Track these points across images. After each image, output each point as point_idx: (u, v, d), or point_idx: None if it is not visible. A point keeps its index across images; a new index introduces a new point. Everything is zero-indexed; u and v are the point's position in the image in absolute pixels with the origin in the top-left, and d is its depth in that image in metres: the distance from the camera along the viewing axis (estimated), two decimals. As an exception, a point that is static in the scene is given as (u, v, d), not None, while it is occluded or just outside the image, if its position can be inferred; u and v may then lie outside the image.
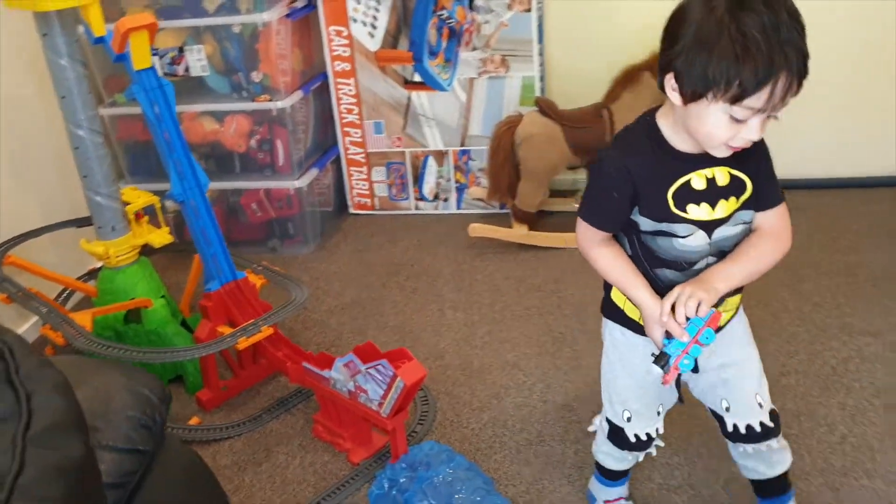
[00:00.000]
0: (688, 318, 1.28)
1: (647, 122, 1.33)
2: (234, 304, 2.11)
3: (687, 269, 1.35)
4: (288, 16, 2.77)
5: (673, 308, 1.29)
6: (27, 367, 0.77)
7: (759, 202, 1.34)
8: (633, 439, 1.54)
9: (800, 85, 1.17)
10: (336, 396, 1.89)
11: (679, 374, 1.35)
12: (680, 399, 1.53)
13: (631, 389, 1.51)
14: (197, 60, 2.74)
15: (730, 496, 1.72)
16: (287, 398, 2.17)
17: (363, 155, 3.14)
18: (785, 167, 3.13)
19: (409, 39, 2.91)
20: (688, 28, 1.18)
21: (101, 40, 1.93)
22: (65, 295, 2.51)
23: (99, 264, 2.34)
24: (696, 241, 1.32)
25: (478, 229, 2.83)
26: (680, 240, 1.32)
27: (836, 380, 2.04)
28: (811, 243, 2.70)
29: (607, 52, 2.86)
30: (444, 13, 2.85)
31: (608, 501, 1.69)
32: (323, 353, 1.94)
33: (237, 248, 2.32)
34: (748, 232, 1.35)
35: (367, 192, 3.21)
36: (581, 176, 2.90)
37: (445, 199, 3.17)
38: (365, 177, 3.18)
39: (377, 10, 2.88)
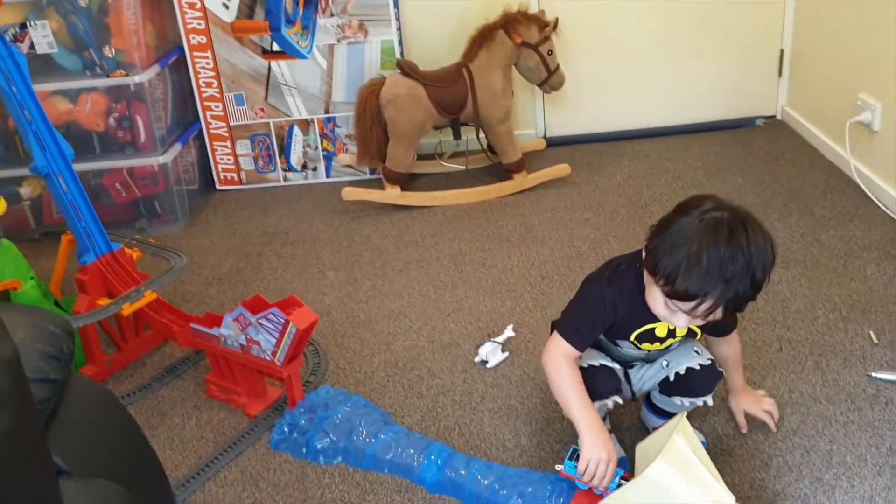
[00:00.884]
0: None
1: (636, 269, 1.49)
2: (113, 276, 2.08)
3: (621, 361, 1.63)
4: (138, -12, 2.72)
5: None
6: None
7: (715, 332, 1.63)
8: (591, 367, 1.57)
9: (731, 312, 1.41)
10: (228, 353, 1.91)
11: None
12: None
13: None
14: (42, 37, 2.65)
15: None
16: (175, 365, 2.16)
17: (226, 129, 3.12)
18: (629, 120, 3.42)
19: (264, 9, 2.92)
20: (674, 221, 1.38)
21: (-55, 9, 1.85)
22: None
23: (-42, 251, 2.24)
24: (635, 353, 1.61)
25: (351, 192, 2.89)
26: (624, 352, 1.61)
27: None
28: (657, 183, 2.93)
29: (460, 13, 2.98)
30: (299, -19, 2.88)
31: None
32: (209, 313, 1.95)
33: (106, 230, 2.27)
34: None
35: (233, 167, 3.19)
36: (447, 137, 3.01)
37: (314, 169, 3.20)
38: (229, 151, 3.16)
39: (230, -20, 2.87)
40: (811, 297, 2.21)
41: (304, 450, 1.80)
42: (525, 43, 2.79)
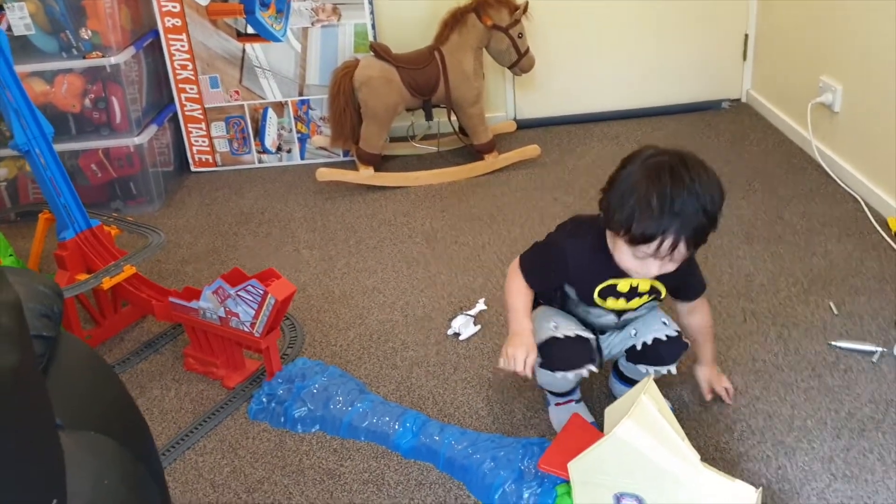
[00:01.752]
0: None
1: (598, 228, 1.54)
2: (92, 252, 2.11)
3: (593, 328, 1.69)
4: (113, -30, 2.73)
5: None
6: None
7: (683, 296, 1.69)
8: (566, 338, 1.62)
9: (693, 245, 1.44)
10: (207, 326, 1.96)
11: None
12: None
13: (551, 318, 1.66)
14: (19, 19, 2.66)
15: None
16: (153, 340, 2.20)
17: (200, 111, 3.15)
18: (598, 102, 3.48)
19: (239, -8, 2.95)
20: (620, 175, 1.45)
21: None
22: None
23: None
24: (607, 319, 1.66)
25: (326, 173, 2.93)
26: (592, 316, 1.66)
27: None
28: (628, 163, 3.00)
29: (431, -3, 3.03)
30: (273, -36, 2.91)
31: (558, 404, 1.81)
32: (188, 287, 1.99)
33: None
34: (651, 308, 1.68)
35: (208, 149, 3.22)
36: (419, 119, 3.06)
37: (289, 151, 3.24)
38: (204, 133, 3.19)
39: (205, -37, 2.89)
40: (774, 271, 2.30)
41: (283, 419, 1.85)
42: (496, 26, 2.84)
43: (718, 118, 3.35)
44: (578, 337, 1.63)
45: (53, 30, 2.71)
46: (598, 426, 1.69)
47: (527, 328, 1.59)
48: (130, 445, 1.12)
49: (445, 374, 1.98)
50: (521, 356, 1.55)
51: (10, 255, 2.23)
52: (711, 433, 1.74)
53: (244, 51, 3.04)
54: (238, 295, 1.85)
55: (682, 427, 1.48)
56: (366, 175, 2.94)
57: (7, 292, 0.79)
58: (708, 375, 1.80)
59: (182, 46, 3.03)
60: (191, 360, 2.06)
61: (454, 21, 2.85)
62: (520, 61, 2.94)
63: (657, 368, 1.70)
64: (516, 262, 1.64)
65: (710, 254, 2.36)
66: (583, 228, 1.60)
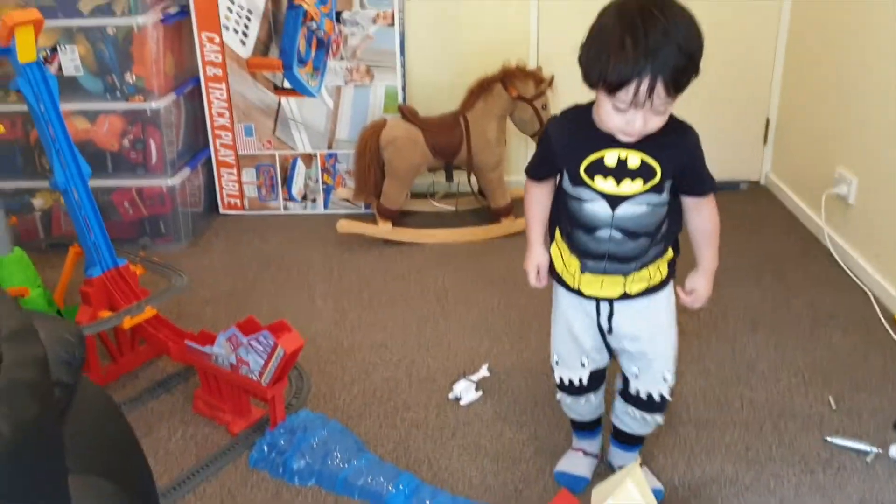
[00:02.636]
0: None
1: (586, 106, 1.54)
2: (116, 290, 2.21)
3: (591, 233, 1.57)
4: (162, 20, 2.88)
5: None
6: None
7: (688, 188, 1.56)
8: (562, 382, 1.78)
9: (672, 89, 1.38)
10: (218, 371, 2.03)
11: (605, 333, 1.69)
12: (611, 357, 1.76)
13: (560, 337, 1.74)
14: (70, 61, 2.80)
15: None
16: (166, 380, 2.28)
17: (233, 157, 3.27)
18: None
19: (279, 48, 3.08)
20: (592, 28, 1.44)
21: (-15, 34, 2.00)
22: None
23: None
24: (600, 209, 1.53)
25: (345, 225, 3.03)
26: (587, 205, 1.54)
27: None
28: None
29: (461, 64, 3.15)
30: (314, 24, 3.04)
31: (573, 448, 1.91)
32: (204, 331, 2.07)
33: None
34: (652, 214, 1.53)
35: (237, 193, 3.34)
36: (440, 178, 3.15)
37: (313, 200, 3.34)
38: (235, 178, 3.31)
39: (249, 18, 3.03)
40: (776, 360, 2.33)
41: (281, 469, 1.90)
42: (521, 97, 2.94)
43: (735, 199, 3.41)
44: (591, 378, 1.74)
45: (100, 72, 2.85)
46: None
47: (536, 241, 1.70)
48: (132, 491, 1.19)
49: (443, 438, 2.03)
50: (531, 272, 1.70)
51: (39, 287, 2.33)
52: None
53: (279, 103, 3.17)
54: (250, 344, 1.93)
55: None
56: (384, 230, 3.03)
57: (36, 347, 0.87)
58: (696, 283, 1.70)
59: (221, 95, 3.16)
60: (200, 402, 2.13)
61: (481, 90, 2.96)
62: (542, 131, 3.03)
63: (645, 414, 1.74)
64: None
65: (714, 337, 2.41)
66: (568, 110, 1.60)
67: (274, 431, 1.99)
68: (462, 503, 1.79)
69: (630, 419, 1.77)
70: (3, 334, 0.84)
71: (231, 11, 3.02)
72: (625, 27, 1.36)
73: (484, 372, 2.26)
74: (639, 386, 1.71)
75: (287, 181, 3.31)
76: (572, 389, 1.79)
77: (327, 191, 3.32)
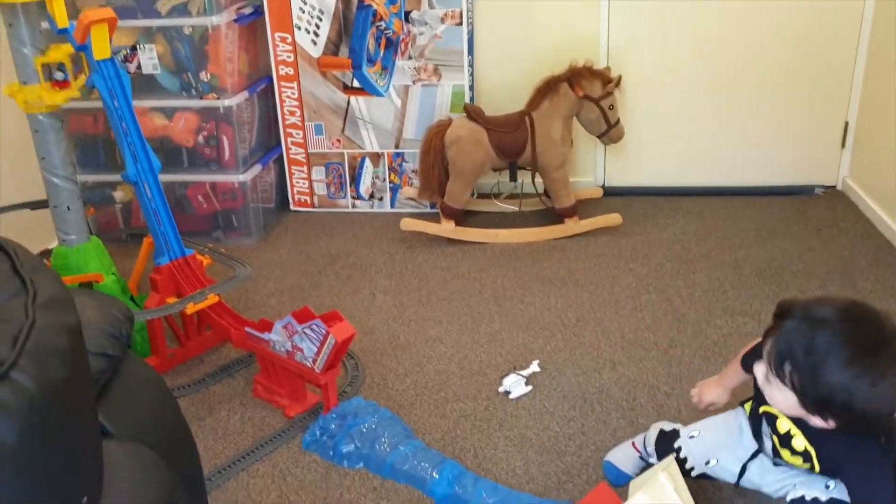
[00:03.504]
0: None
1: None
2: (183, 278, 2.31)
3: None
4: (236, 20, 2.99)
5: None
6: (28, 262, 0.99)
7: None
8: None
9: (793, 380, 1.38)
10: (275, 357, 2.11)
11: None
12: None
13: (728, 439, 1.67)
14: (149, 59, 2.94)
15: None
16: (229, 365, 2.37)
17: (304, 155, 3.36)
18: (687, 177, 3.51)
19: (349, 48, 3.16)
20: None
21: (64, 31, 2.12)
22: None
23: (52, 244, 2.51)
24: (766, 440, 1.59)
25: (409, 223, 3.08)
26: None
27: (716, 351, 2.34)
28: (706, 241, 3.02)
29: (530, 64, 3.16)
30: (383, 24, 3.11)
31: (631, 444, 1.88)
32: (264, 320, 2.15)
33: (184, 237, 2.49)
34: None
35: (308, 191, 3.43)
36: (504, 178, 3.17)
37: (380, 198, 3.41)
38: (305, 176, 3.40)
39: (320, 18, 3.12)
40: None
41: (331, 452, 1.96)
42: (587, 96, 2.94)
43: (810, 204, 3.32)
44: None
45: (177, 70, 2.98)
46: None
47: (723, 379, 1.74)
48: (172, 460, 1.25)
49: (490, 429, 2.05)
50: (703, 398, 1.76)
51: (113, 273, 2.45)
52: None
53: (349, 102, 3.25)
54: (304, 332, 1.99)
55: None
56: (447, 229, 3.07)
57: (69, 316, 0.94)
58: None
59: (292, 94, 3.26)
60: (259, 387, 2.21)
61: (547, 89, 2.96)
62: (609, 131, 3.02)
63: None
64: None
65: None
66: None
67: (326, 416, 2.05)
68: (504, 491, 1.81)
69: None
70: (39, 301, 0.91)
71: (303, 12, 3.11)
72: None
73: (535, 367, 2.27)
74: (798, 493, 1.55)
75: (355, 179, 3.38)
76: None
77: (394, 190, 3.39)
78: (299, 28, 3.14)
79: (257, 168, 3.18)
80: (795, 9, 3.18)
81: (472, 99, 3.24)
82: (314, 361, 2.01)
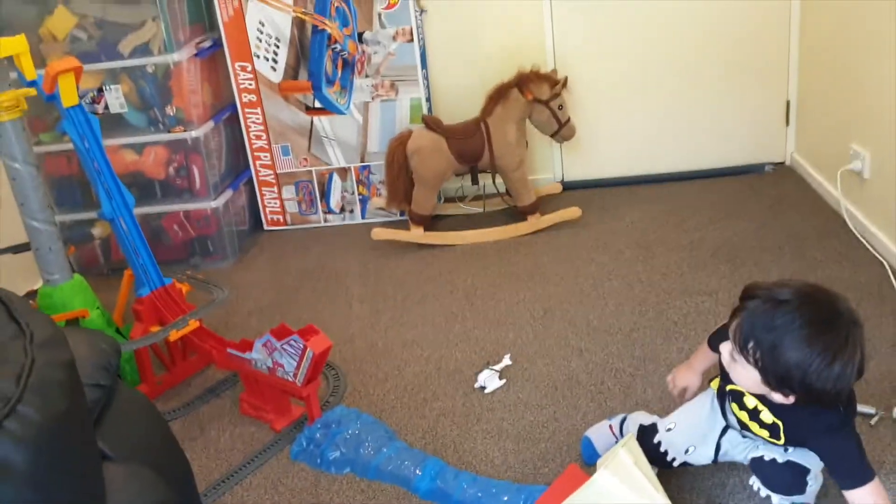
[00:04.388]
0: None
1: None
2: (164, 307, 2.42)
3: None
4: (196, 55, 3.10)
5: None
6: (20, 307, 1.10)
7: (834, 475, 1.59)
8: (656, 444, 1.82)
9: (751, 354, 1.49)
10: (258, 374, 2.22)
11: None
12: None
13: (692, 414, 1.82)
14: (115, 99, 3.04)
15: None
16: (215, 386, 2.48)
17: (273, 176, 3.48)
18: (644, 166, 3.64)
19: (308, 71, 3.28)
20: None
21: (33, 83, 2.22)
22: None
23: (37, 285, 2.61)
24: (732, 418, 1.71)
25: (380, 233, 3.20)
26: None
27: (676, 331, 2.47)
28: (663, 226, 3.16)
29: (481, 72, 3.29)
30: (338, 46, 3.23)
31: (609, 424, 2.01)
32: (244, 340, 2.26)
33: (162, 266, 2.60)
34: None
35: (279, 210, 3.54)
36: (467, 182, 3.30)
37: (351, 211, 3.53)
38: (276, 196, 3.51)
39: (277, 46, 3.24)
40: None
41: (319, 460, 2.08)
42: (536, 99, 3.07)
43: (761, 181, 3.47)
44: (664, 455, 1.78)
45: (143, 107, 3.08)
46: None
47: (693, 363, 1.87)
48: (168, 478, 1.37)
49: (468, 424, 2.18)
50: (676, 384, 1.89)
51: (97, 308, 2.55)
52: (703, 486, 1.87)
53: (312, 122, 3.36)
54: (283, 348, 2.11)
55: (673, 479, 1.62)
56: (417, 234, 3.20)
57: (64, 352, 1.05)
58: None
59: (257, 119, 3.37)
60: (245, 404, 2.32)
61: (498, 95, 3.09)
62: (560, 130, 3.16)
63: (775, 494, 1.71)
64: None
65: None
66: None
67: (311, 426, 2.17)
68: (483, 482, 1.93)
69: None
70: (36, 342, 1.02)
71: (260, 41, 3.23)
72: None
73: (507, 361, 2.39)
74: (754, 454, 1.72)
75: (325, 195, 3.50)
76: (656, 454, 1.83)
77: (363, 201, 3.50)
78: (258, 56, 3.25)
79: (229, 193, 3.29)
80: (730, -2, 3.34)
81: (429, 110, 3.36)
82: (295, 375, 2.13)
